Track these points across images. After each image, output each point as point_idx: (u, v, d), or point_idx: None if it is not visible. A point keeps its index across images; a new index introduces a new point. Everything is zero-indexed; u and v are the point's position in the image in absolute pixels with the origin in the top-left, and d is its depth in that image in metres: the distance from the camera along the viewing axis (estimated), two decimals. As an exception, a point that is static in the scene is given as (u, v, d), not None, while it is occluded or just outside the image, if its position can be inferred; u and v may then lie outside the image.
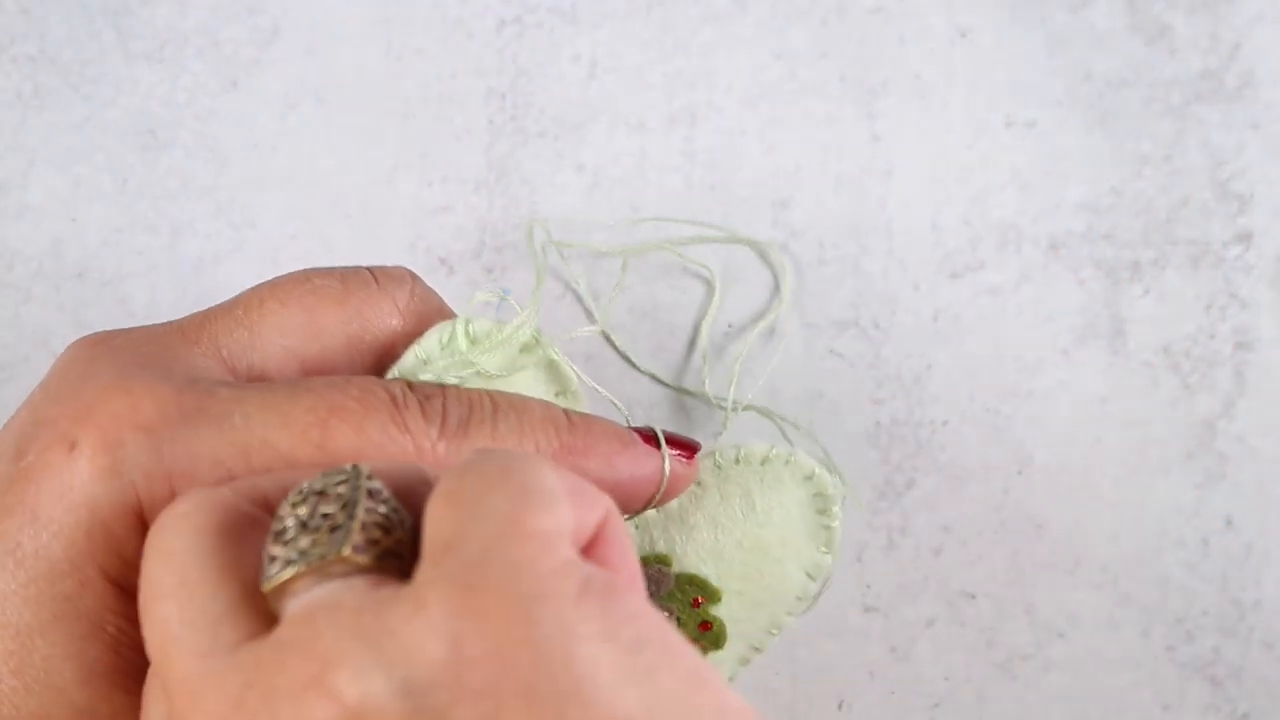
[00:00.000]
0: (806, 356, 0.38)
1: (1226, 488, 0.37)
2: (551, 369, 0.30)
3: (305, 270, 0.28)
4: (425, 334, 0.28)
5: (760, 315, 0.38)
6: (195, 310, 0.38)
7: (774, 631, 0.32)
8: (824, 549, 0.31)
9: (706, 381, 0.37)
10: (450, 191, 0.39)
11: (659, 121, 0.39)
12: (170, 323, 0.27)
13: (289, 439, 0.24)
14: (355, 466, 0.21)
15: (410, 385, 0.26)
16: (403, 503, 0.21)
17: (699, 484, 0.31)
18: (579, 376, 0.30)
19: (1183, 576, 0.37)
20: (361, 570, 0.19)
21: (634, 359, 0.38)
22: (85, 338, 0.26)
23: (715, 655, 0.31)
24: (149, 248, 0.39)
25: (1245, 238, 0.38)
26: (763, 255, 0.38)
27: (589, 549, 0.21)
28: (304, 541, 0.20)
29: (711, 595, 0.31)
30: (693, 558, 0.31)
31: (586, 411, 0.29)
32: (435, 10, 0.39)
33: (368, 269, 0.29)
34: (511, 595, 0.18)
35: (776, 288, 0.38)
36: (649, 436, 0.29)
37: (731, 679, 0.32)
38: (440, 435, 0.25)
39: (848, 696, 0.37)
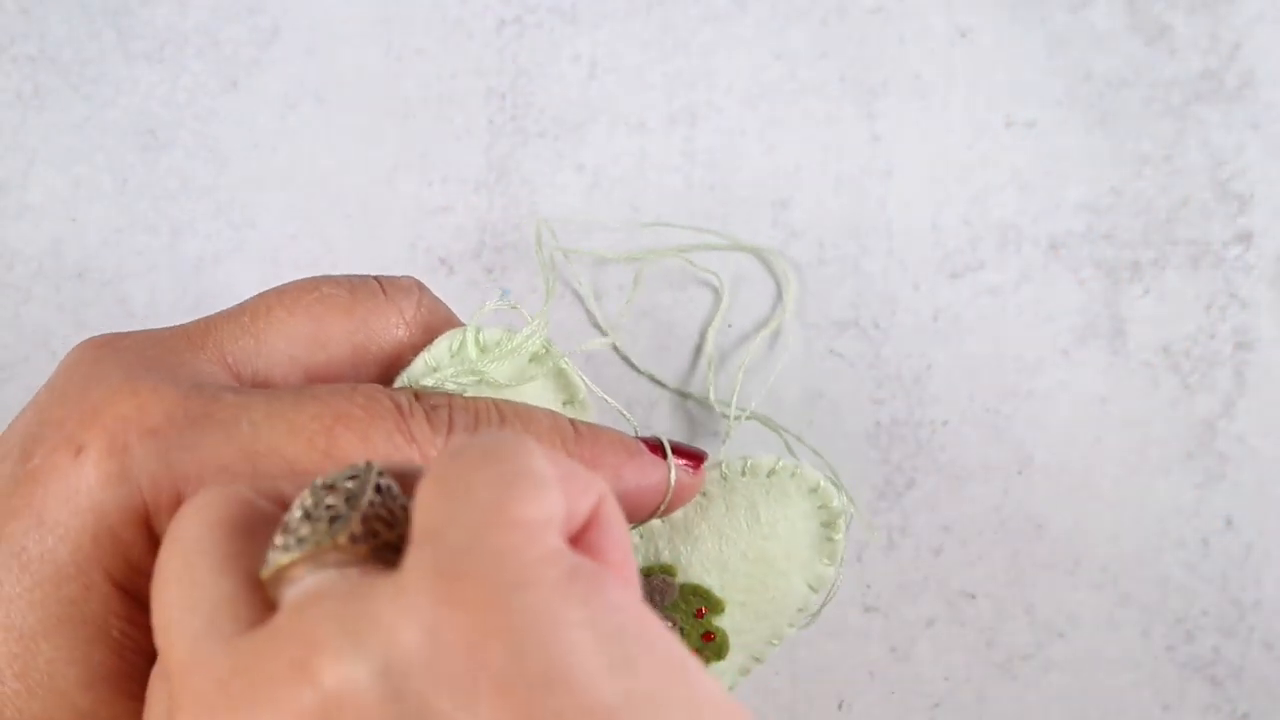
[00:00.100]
0: (806, 356, 0.38)
1: (1226, 488, 0.37)
2: (560, 377, 0.30)
3: (313, 278, 0.28)
4: (435, 341, 0.28)
5: (763, 321, 0.38)
6: (195, 310, 0.38)
7: (775, 643, 0.32)
8: (827, 561, 0.31)
9: (712, 390, 0.37)
10: (450, 191, 0.39)
11: (659, 121, 0.39)
12: (175, 327, 0.27)
13: (295, 446, 0.24)
14: (369, 463, 0.21)
15: (416, 395, 0.26)
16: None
17: (705, 495, 0.31)
18: (587, 385, 0.30)
19: (1183, 576, 0.37)
20: (360, 561, 0.19)
21: (635, 361, 0.38)
22: (90, 339, 0.26)
23: (717, 666, 0.31)
24: (149, 248, 0.39)
25: (1245, 238, 0.38)
26: (766, 263, 0.38)
27: (582, 534, 0.21)
28: (304, 530, 0.20)
29: (715, 606, 0.31)
30: (697, 568, 0.31)
31: (594, 421, 0.29)
32: (435, 10, 0.39)
33: (375, 278, 0.29)
34: (492, 583, 0.18)
35: (779, 295, 0.38)
36: (655, 446, 0.29)
37: (731, 689, 0.32)
38: (446, 444, 0.25)
39: (848, 696, 0.37)
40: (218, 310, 0.28)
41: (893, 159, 0.38)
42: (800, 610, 0.32)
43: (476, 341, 0.28)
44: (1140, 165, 0.38)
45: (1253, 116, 0.38)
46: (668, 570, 0.31)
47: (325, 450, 0.24)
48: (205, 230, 0.39)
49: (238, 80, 0.39)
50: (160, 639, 0.20)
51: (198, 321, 0.27)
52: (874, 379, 0.37)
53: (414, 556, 0.18)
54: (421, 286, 0.29)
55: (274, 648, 0.18)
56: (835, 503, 0.31)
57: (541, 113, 0.39)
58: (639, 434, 0.29)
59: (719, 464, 0.31)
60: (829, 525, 0.31)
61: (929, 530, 0.37)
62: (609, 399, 0.31)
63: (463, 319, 0.30)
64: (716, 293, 0.38)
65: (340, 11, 0.39)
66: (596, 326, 0.38)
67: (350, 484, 0.20)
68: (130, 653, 0.24)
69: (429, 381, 0.28)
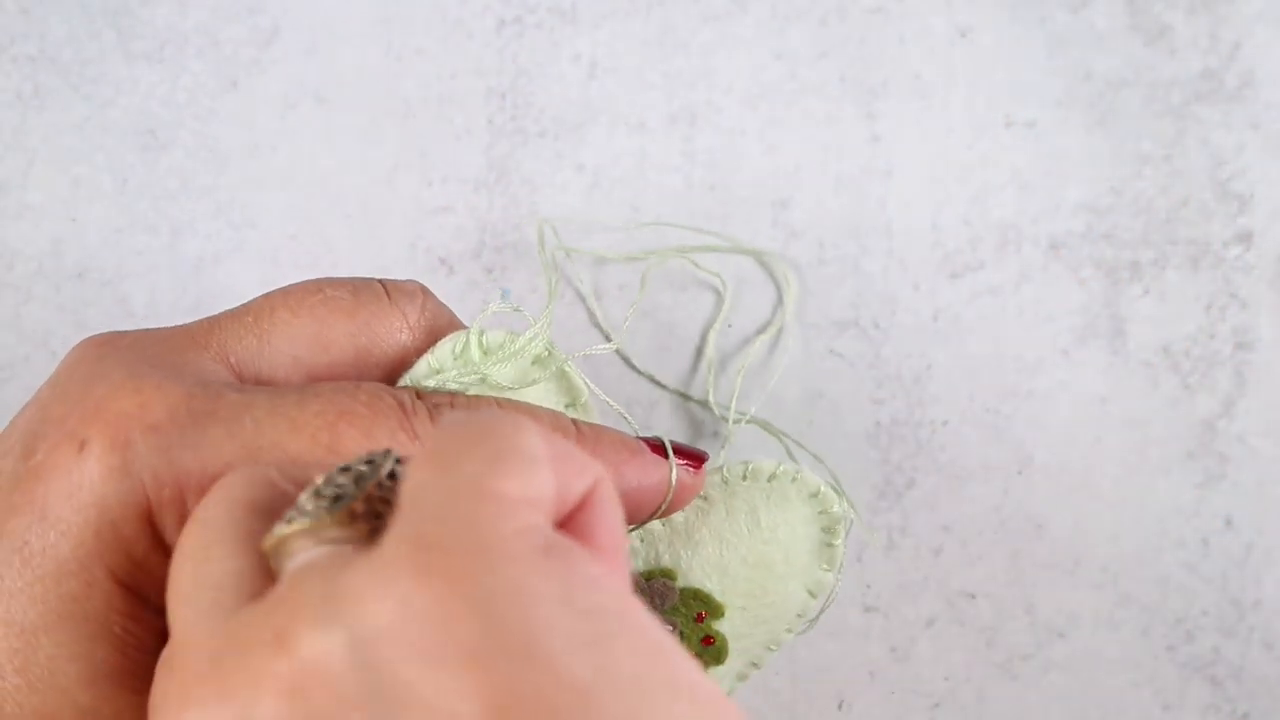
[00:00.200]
0: (806, 356, 0.38)
1: (1226, 488, 0.37)
2: (563, 380, 0.30)
3: (317, 280, 0.28)
4: (439, 343, 0.28)
5: (763, 323, 0.38)
6: (195, 310, 0.38)
7: (773, 648, 0.32)
8: (826, 567, 0.31)
9: (711, 392, 0.37)
10: (450, 191, 0.39)
11: (659, 121, 0.39)
12: (179, 326, 0.27)
13: (298, 442, 0.24)
14: (389, 450, 0.21)
15: (419, 393, 0.26)
16: None
17: (706, 499, 0.31)
18: (589, 388, 0.30)
19: (1183, 576, 0.37)
20: (360, 540, 0.19)
21: (635, 362, 0.38)
22: (93, 337, 0.26)
23: (716, 670, 0.31)
24: (149, 248, 0.39)
25: (1245, 238, 0.38)
26: (767, 267, 0.38)
27: (574, 516, 0.21)
28: (309, 506, 0.20)
29: (715, 610, 0.31)
30: (698, 572, 0.31)
31: (596, 422, 0.29)
32: (435, 10, 0.39)
33: (380, 281, 0.29)
34: (464, 555, 0.17)
35: (780, 298, 0.38)
36: (657, 446, 0.29)
37: (729, 694, 0.32)
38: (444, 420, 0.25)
39: (848, 696, 0.37)
40: (218, 310, 0.28)
41: (893, 159, 0.38)
42: (799, 616, 0.32)
43: (480, 344, 0.28)
44: (1140, 165, 0.38)
45: (1253, 116, 0.38)
46: (668, 574, 0.31)
47: (329, 446, 0.24)
48: (205, 230, 0.39)
49: (238, 80, 0.39)
50: (170, 615, 0.20)
51: (201, 321, 0.27)
52: (874, 379, 0.37)
53: (394, 528, 0.18)
54: (425, 290, 0.29)
55: (260, 619, 0.18)
56: (835, 508, 0.31)
57: (541, 113, 0.39)
58: (640, 435, 0.29)
59: (720, 468, 0.31)
60: (829, 531, 0.31)
61: (929, 530, 0.37)
62: (611, 401, 0.31)
63: (463, 319, 0.30)
64: (717, 293, 0.38)
65: (340, 11, 0.39)
66: (598, 326, 0.38)
67: (365, 468, 0.21)
68: (132, 649, 0.24)
69: (431, 382, 0.28)
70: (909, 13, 0.39)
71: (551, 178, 0.38)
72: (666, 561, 0.31)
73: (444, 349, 0.28)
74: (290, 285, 0.28)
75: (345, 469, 0.21)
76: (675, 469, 0.29)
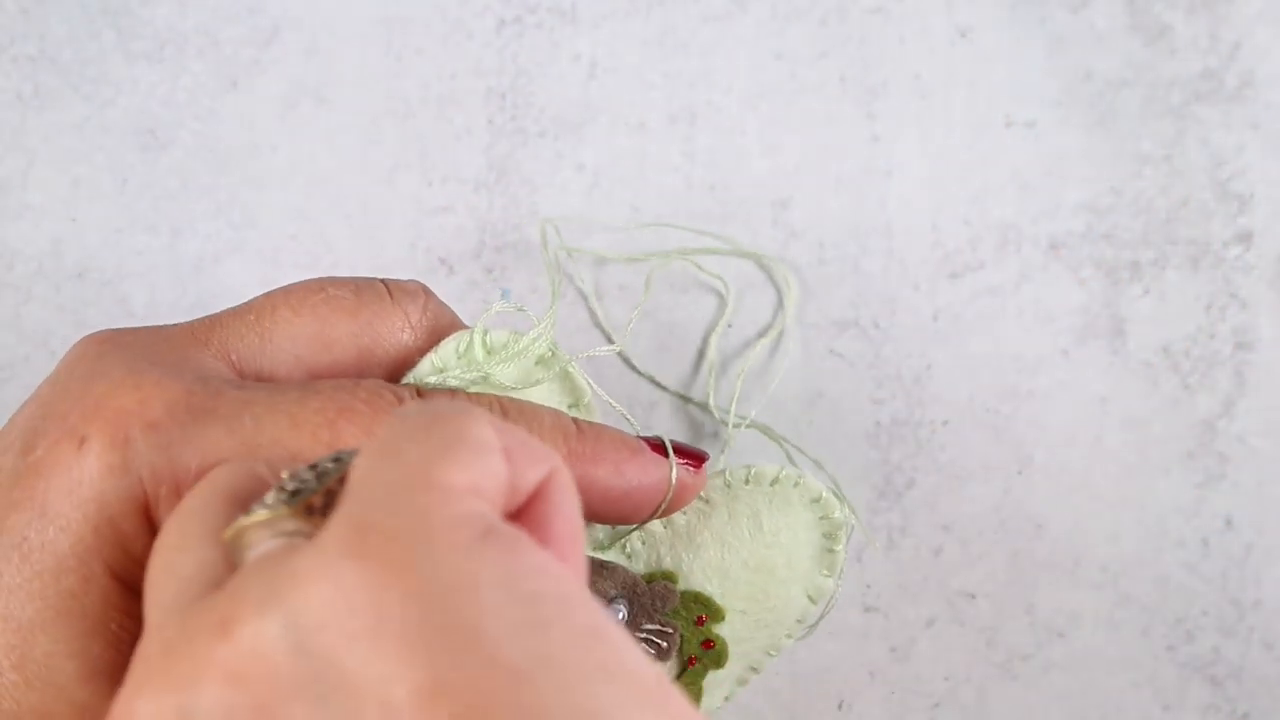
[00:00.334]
0: (806, 356, 0.38)
1: (1226, 488, 0.37)
2: (566, 380, 0.30)
3: (320, 279, 0.28)
4: (443, 342, 0.28)
5: (764, 325, 0.38)
6: (195, 310, 0.38)
7: (772, 653, 0.32)
8: (826, 573, 0.31)
9: (712, 396, 0.37)
10: (450, 191, 0.39)
11: (659, 121, 0.39)
12: (180, 324, 0.27)
13: (298, 440, 0.24)
14: (357, 450, 0.21)
15: (419, 390, 0.26)
16: None
17: (708, 502, 0.31)
18: (592, 388, 0.30)
19: (1183, 576, 0.37)
20: (316, 533, 0.19)
21: (636, 362, 0.38)
22: (94, 334, 0.26)
23: (716, 675, 0.31)
24: (149, 248, 0.39)
25: (1245, 238, 0.38)
26: (768, 271, 0.38)
27: (530, 505, 0.21)
28: (270, 498, 0.20)
29: (715, 614, 0.31)
30: (699, 576, 0.31)
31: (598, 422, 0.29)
32: (435, 10, 0.39)
33: (382, 281, 0.29)
34: (401, 539, 0.17)
35: (780, 301, 0.38)
36: (657, 446, 0.29)
37: (728, 699, 0.32)
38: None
39: (848, 696, 0.37)
40: (218, 310, 0.28)
41: (893, 159, 0.38)
42: (799, 621, 0.32)
43: (484, 343, 0.28)
44: (1140, 165, 0.38)
45: (1253, 116, 0.38)
46: (669, 577, 0.31)
47: (328, 443, 0.24)
48: (205, 230, 0.39)
49: (238, 80, 0.39)
50: (144, 605, 0.21)
51: (203, 319, 0.27)
52: (874, 379, 0.37)
53: (337, 514, 0.18)
54: (427, 291, 0.29)
55: (208, 609, 0.18)
56: (837, 514, 0.31)
57: (541, 113, 0.39)
58: (641, 435, 0.29)
59: (723, 472, 0.31)
60: (830, 536, 0.31)
61: (929, 530, 0.37)
62: (614, 403, 0.31)
63: (463, 319, 0.30)
64: (717, 295, 0.38)
65: (340, 11, 0.39)
66: (599, 326, 0.38)
67: (331, 465, 0.21)
68: (129, 647, 0.24)
69: (433, 379, 0.28)
70: (909, 13, 0.39)
71: (551, 178, 0.38)
72: (668, 564, 0.31)
73: (448, 348, 0.28)
74: (292, 284, 0.28)
75: (312, 466, 0.21)
76: (675, 468, 0.29)
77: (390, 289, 0.29)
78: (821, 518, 0.31)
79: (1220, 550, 0.37)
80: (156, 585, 0.20)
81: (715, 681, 0.31)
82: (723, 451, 0.34)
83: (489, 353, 0.28)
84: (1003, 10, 0.39)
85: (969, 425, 0.37)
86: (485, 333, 0.28)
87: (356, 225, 0.39)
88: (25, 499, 0.23)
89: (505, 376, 0.28)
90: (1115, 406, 0.37)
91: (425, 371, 0.28)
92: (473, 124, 0.39)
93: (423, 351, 0.28)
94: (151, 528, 0.23)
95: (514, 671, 0.16)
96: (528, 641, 0.17)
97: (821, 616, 0.32)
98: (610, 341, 0.38)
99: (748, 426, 0.36)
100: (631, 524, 0.30)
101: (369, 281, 0.29)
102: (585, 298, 0.38)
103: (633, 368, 0.38)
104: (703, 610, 0.31)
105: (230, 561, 0.20)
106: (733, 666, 0.31)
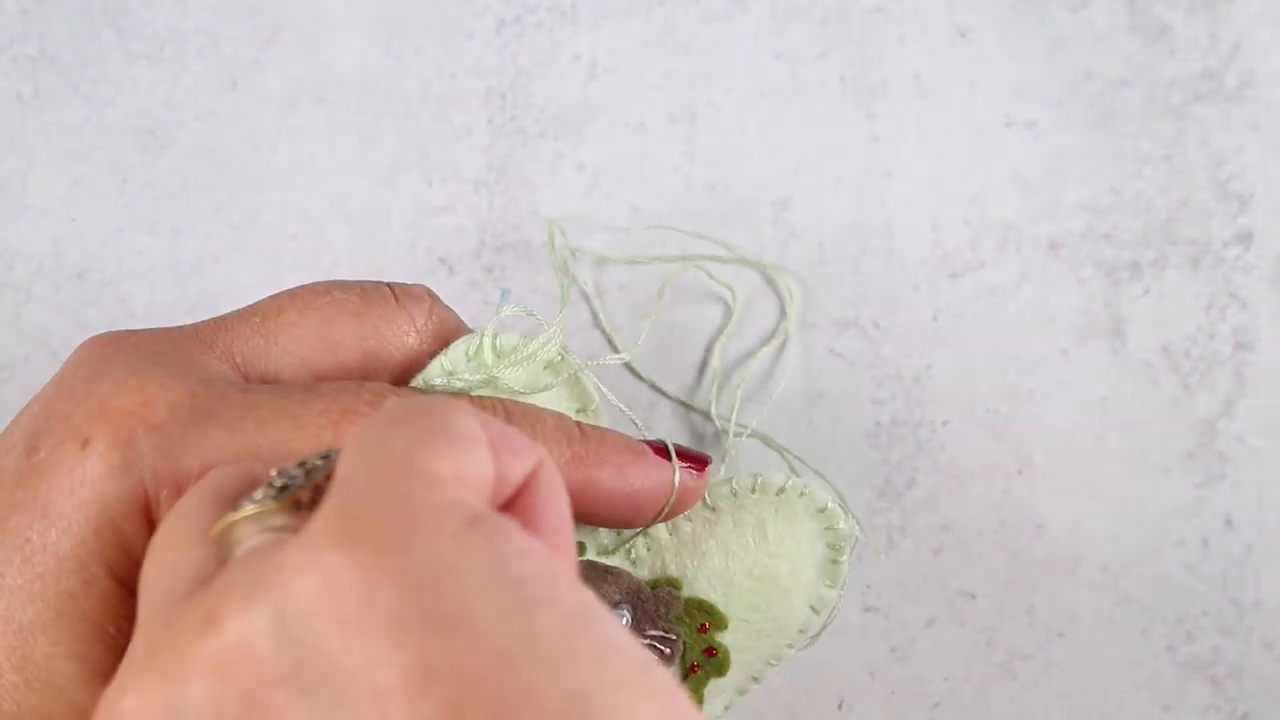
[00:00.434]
0: (806, 356, 0.38)
1: (1226, 488, 0.37)
2: (574, 385, 0.30)
3: (325, 282, 0.28)
4: (452, 345, 0.28)
5: (766, 331, 0.38)
6: (195, 310, 0.38)
7: (774, 663, 0.32)
8: (830, 584, 0.31)
9: (714, 404, 0.37)
10: (450, 191, 0.39)
11: (659, 121, 0.39)
12: (185, 326, 0.27)
13: (301, 441, 0.24)
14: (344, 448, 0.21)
15: (424, 393, 0.26)
16: None
17: (714, 510, 0.31)
18: (601, 393, 0.30)
19: (1183, 576, 0.37)
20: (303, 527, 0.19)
21: (637, 366, 0.38)
22: (99, 335, 0.26)
23: (717, 683, 0.31)
24: (149, 248, 0.39)
25: (1245, 238, 0.38)
26: (770, 281, 0.38)
27: (517, 498, 0.21)
28: (258, 494, 0.20)
29: (719, 621, 0.31)
30: (703, 583, 0.31)
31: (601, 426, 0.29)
32: (435, 10, 0.39)
33: (388, 285, 0.29)
34: (387, 526, 0.17)
35: (782, 309, 0.38)
36: (660, 449, 0.29)
37: (729, 708, 0.32)
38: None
39: (848, 696, 0.37)
40: (218, 310, 0.28)
41: (893, 159, 0.38)
42: (801, 631, 0.32)
43: (493, 346, 0.28)
44: (1140, 165, 0.38)
45: (1253, 116, 0.38)
46: (673, 584, 0.31)
47: (331, 446, 0.24)
48: (205, 230, 0.39)
49: (238, 80, 0.39)
50: (138, 603, 0.21)
51: (208, 321, 0.27)
52: (874, 379, 0.37)
53: (324, 505, 0.18)
54: (433, 295, 0.29)
55: (195, 604, 0.18)
56: (842, 524, 0.31)
57: (541, 113, 0.39)
58: (644, 439, 0.29)
59: (729, 480, 0.31)
60: (834, 548, 0.31)
61: (929, 530, 0.37)
62: (623, 407, 0.31)
63: (464, 319, 0.30)
64: (720, 301, 0.38)
65: (340, 11, 0.39)
66: (600, 327, 0.38)
67: (319, 461, 0.21)
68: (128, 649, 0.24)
69: (441, 382, 0.28)
70: (909, 13, 0.39)
71: (551, 178, 0.38)
72: (673, 571, 0.31)
73: (457, 351, 0.28)
74: (298, 287, 0.28)
75: (301, 463, 0.21)
76: (678, 472, 0.29)
77: (396, 293, 0.29)
78: (827, 528, 0.31)
79: (1220, 550, 0.37)
80: (149, 585, 0.20)
81: (716, 690, 0.31)
82: (723, 461, 0.34)
83: (499, 356, 0.28)
84: (1003, 10, 0.39)
85: (969, 425, 0.37)
86: (495, 336, 0.28)
87: (356, 225, 0.38)
88: (28, 500, 0.23)
89: (513, 380, 0.28)
90: (1115, 406, 0.37)
91: (434, 374, 0.28)
92: (473, 124, 0.39)
93: (428, 355, 0.28)
94: (152, 529, 0.23)
95: (502, 653, 0.16)
96: (515, 624, 0.17)
97: (824, 627, 0.32)
98: (610, 341, 0.38)
99: (749, 436, 0.36)
100: (635, 527, 0.30)
101: (375, 285, 0.29)
102: (587, 299, 0.38)
103: (635, 373, 0.38)
104: (706, 618, 0.31)
105: (221, 559, 0.20)
106: (734, 675, 0.31)
